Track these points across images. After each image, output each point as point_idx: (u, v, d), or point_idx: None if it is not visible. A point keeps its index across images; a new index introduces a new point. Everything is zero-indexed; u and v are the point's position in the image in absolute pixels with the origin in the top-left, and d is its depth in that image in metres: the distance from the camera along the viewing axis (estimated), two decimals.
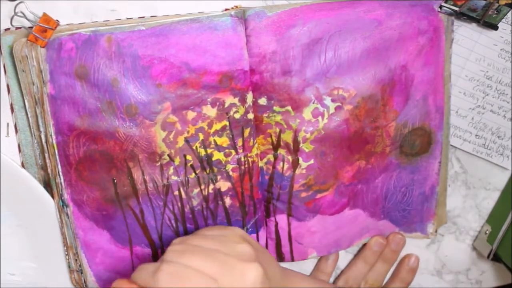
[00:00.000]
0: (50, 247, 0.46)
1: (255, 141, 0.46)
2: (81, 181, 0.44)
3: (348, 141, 0.47)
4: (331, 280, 0.53)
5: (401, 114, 0.48)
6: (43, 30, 0.40)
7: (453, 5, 0.46)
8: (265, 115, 0.46)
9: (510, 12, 0.47)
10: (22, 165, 0.45)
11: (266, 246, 0.50)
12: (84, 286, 0.47)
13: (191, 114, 0.44)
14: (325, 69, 0.44)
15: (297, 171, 0.47)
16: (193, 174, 0.45)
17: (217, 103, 0.44)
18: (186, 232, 0.47)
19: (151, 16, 0.44)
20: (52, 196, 0.45)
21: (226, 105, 0.44)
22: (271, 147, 0.47)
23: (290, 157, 0.47)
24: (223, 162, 0.46)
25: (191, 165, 0.45)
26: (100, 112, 0.42)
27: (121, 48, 0.41)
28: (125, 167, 0.44)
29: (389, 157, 0.49)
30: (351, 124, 0.46)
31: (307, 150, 0.46)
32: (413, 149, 0.49)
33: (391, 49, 0.45)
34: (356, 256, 0.53)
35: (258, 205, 0.48)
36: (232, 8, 0.44)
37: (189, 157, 0.45)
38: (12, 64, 0.42)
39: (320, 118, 0.46)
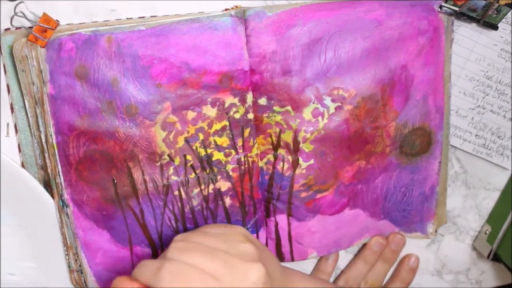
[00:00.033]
0: (50, 247, 0.46)
1: (255, 141, 0.46)
2: (81, 181, 0.44)
3: (348, 141, 0.47)
4: (331, 280, 0.53)
5: (401, 114, 0.48)
6: (43, 30, 0.40)
7: (453, 5, 0.46)
8: (265, 115, 0.46)
9: (510, 12, 0.47)
10: (22, 165, 0.45)
11: (266, 246, 0.50)
12: (84, 286, 0.47)
13: (191, 114, 0.44)
14: (325, 69, 0.44)
15: (297, 171, 0.47)
16: (193, 174, 0.46)
17: (217, 103, 0.44)
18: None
19: (151, 16, 0.44)
20: (52, 196, 0.45)
21: (226, 105, 0.44)
22: (271, 147, 0.47)
23: (290, 157, 0.47)
24: (223, 162, 0.46)
25: (191, 165, 0.45)
26: (100, 112, 0.42)
27: (121, 48, 0.41)
28: (125, 167, 0.44)
29: (389, 157, 0.49)
30: (351, 124, 0.46)
31: (307, 150, 0.46)
32: (413, 149, 0.49)
33: (391, 49, 0.45)
34: (356, 256, 0.53)
35: (258, 205, 0.48)
36: (232, 8, 0.44)
37: (189, 157, 0.45)
38: (12, 64, 0.42)
39: (320, 118, 0.46)
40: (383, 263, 0.52)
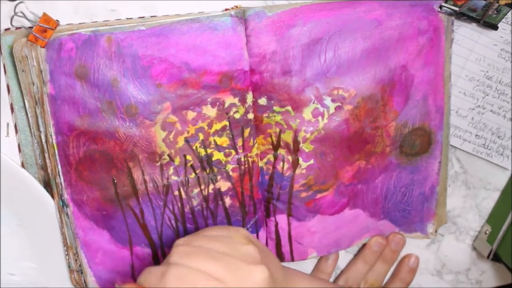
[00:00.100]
0: (50, 247, 0.46)
1: (255, 141, 0.46)
2: (81, 181, 0.44)
3: (348, 141, 0.47)
4: (331, 280, 0.53)
5: (401, 114, 0.48)
6: (43, 30, 0.40)
7: (453, 5, 0.46)
8: (265, 115, 0.46)
9: (510, 12, 0.47)
10: (22, 165, 0.45)
11: (266, 246, 0.50)
12: (84, 286, 0.47)
13: (191, 114, 0.44)
14: (325, 69, 0.44)
15: (297, 171, 0.47)
16: (193, 174, 0.45)
17: (217, 103, 0.44)
18: (186, 232, 0.47)
19: (151, 16, 0.44)
20: (52, 196, 0.45)
21: (226, 105, 0.44)
22: (271, 147, 0.47)
23: (290, 157, 0.47)
24: (223, 162, 0.46)
25: (191, 165, 0.45)
26: (100, 112, 0.42)
27: (121, 48, 0.41)
28: (125, 167, 0.44)
29: (389, 157, 0.49)
30: (351, 124, 0.46)
31: (307, 150, 0.46)
32: (413, 149, 0.49)
33: (391, 49, 0.45)
34: (356, 256, 0.53)
35: (258, 205, 0.48)
36: (232, 8, 0.44)
37: (189, 157, 0.45)
38: (12, 64, 0.42)
39: (320, 118, 0.46)
40: (383, 263, 0.52)
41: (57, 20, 0.41)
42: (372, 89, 0.46)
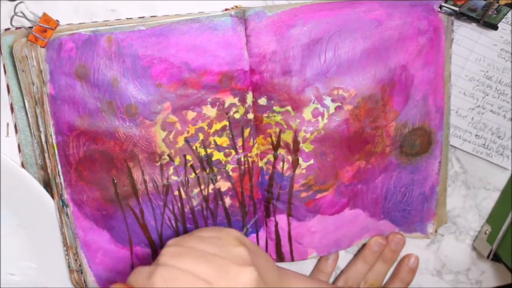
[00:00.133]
0: (50, 247, 0.46)
1: (255, 141, 0.46)
2: (81, 181, 0.44)
3: (348, 141, 0.47)
4: (331, 280, 0.53)
5: (401, 114, 0.48)
6: (43, 30, 0.40)
7: (453, 5, 0.46)
8: (265, 115, 0.46)
9: (510, 12, 0.47)
10: (22, 165, 0.45)
11: (266, 246, 0.50)
12: (84, 286, 0.47)
13: (191, 114, 0.44)
14: (325, 69, 0.44)
15: (297, 171, 0.47)
16: (193, 174, 0.46)
17: (217, 103, 0.44)
18: (186, 232, 0.47)
19: (151, 16, 0.44)
20: (52, 196, 0.45)
21: (226, 105, 0.44)
22: (271, 147, 0.47)
23: (290, 157, 0.47)
24: (223, 162, 0.46)
25: (191, 165, 0.45)
26: (100, 112, 0.42)
27: (121, 48, 0.41)
28: (125, 167, 0.44)
29: (389, 157, 0.49)
30: (351, 124, 0.46)
31: (307, 150, 0.46)
32: (413, 149, 0.49)
33: (391, 49, 0.45)
34: (356, 256, 0.53)
35: (258, 205, 0.48)
36: (232, 8, 0.44)
37: (189, 157, 0.45)
38: (12, 64, 0.42)
39: (320, 118, 0.46)
40: (382, 263, 0.52)
41: (57, 20, 0.41)
42: (372, 89, 0.46)
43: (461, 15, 0.46)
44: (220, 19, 0.42)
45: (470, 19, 0.47)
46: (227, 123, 0.45)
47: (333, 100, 0.45)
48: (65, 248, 0.46)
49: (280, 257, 0.50)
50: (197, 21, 0.42)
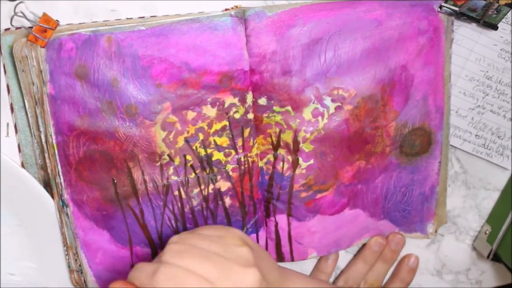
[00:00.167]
0: (50, 247, 0.46)
1: (255, 141, 0.46)
2: (81, 181, 0.44)
3: (348, 141, 0.47)
4: (331, 280, 0.53)
5: (401, 114, 0.48)
6: (43, 30, 0.40)
7: (453, 5, 0.46)
8: (265, 115, 0.46)
9: (510, 12, 0.47)
10: (22, 165, 0.45)
11: (266, 246, 0.50)
12: (84, 286, 0.47)
13: (191, 114, 0.44)
14: (325, 69, 0.44)
15: (297, 171, 0.47)
16: (193, 174, 0.46)
17: (217, 103, 0.44)
18: None
19: (151, 16, 0.44)
20: (52, 196, 0.45)
21: (226, 105, 0.44)
22: (271, 147, 0.47)
23: (290, 157, 0.47)
24: (223, 162, 0.46)
25: (191, 165, 0.45)
26: (100, 112, 0.42)
27: (121, 48, 0.41)
28: (125, 167, 0.44)
29: (389, 157, 0.49)
30: (351, 124, 0.46)
31: (307, 150, 0.46)
32: (413, 149, 0.49)
33: (391, 49, 0.45)
34: (356, 256, 0.53)
35: (258, 205, 0.48)
36: (232, 8, 0.44)
37: (189, 157, 0.45)
38: (12, 64, 0.42)
39: (320, 118, 0.46)
40: (382, 263, 0.52)
41: (57, 20, 0.41)
42: (372, 89, 0.46)
43: (461, 15, 0.46)
44: (220, 19, 0.42)
45: (470, 19, 0.47)
46: (227, 123, 0.45)
47: (333, 100, 0.45)
48: (65, 248, 0.46)
49: (280, 257, 0.50)
50: (197, 21, 0.42)
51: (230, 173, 0.46)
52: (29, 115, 0.43)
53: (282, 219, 0.49)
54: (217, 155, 0.45)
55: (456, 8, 0.46)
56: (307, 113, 0.45)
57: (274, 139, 0.46)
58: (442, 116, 0.49)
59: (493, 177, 0.53)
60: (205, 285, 0.34)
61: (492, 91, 0.50)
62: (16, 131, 0.44)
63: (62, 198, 0.44)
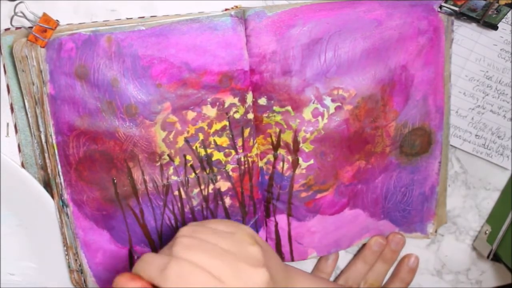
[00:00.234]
0: (50, 247, 0.46)
1: (255, 141, 0.46)
2: (81, 181, 0.44)
3: (348, 141, 0.47)
4: (331, 280, 0.53)
5: (401, 114, 0.48)
6: (43, 30, 0.40)
7: (453, 5, 0.46)
8: (265, 115, 0.46)
9: (510, 12, 0.47)
10: (22, 165, 0.45)
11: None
12: (84, 286, 0.47)
13: (191, 114, 0.44)
14: (325, 69, 0.44)
15: (297, 171, 0.47)
16: (193, 174, 0.46)
17: (217, 103, 0.44)
18: None
19: (151, 16, 0.44)
20: (52, 196, 0.45)
21: (226, 105, 0.44)
22: (271, 147, 0.47)
23: (290, 157, 0.47)
24: (223, 162, 0.46)
25: (191, 165, 0.45)
26: (100, 112, 0.42)
27: (121, 48, 0.41)
28: (125, 167, 0.44)
29: (389, 157, 0.49)
30: (351, 124, 0.46)
31: (307, 150, 0.46)
32: (413, 149, 0.49)
33: (391, 49, 0.45)
34: (356, 256, 0.53)
35: (258, 205, 0.48)
36: (232, 8, 0.44)
37: (189, 157, 0.45)
38: (12, 64, 0.42)
39: (320, 118, 0.46)
40: (382, 263, 0.52)
41: (57, 20, 0.41)
42: (372, 89, 0.46)
43: (461, 15, 0.46)
44: (220, 19, 0.42)
45: (470, 19, 0.47)
46: (227, 123, 0.45)
47: (333, 100, 0.45)
48: (65, 248, 0.46)
49: (280, 257, 0.50)
50: (197, 21, 0.42)
51: (230, 173, 0.46)
52: (29, 115, 0.43)
53: (282, 219, 0.49)
54: (217, 155, 0.45)
55: (456, 8, 0.46)
56: (307, 113, 0.45)
57: (274, 139, 0.46)
58: (442, 116, 0.49)
59: (493, 177, 0.53)
60: (216, 284, 0.34)
61: (492, 91, 0.50)
62: (16, 131, 0.44)
63: (62, 198, 0.44)
